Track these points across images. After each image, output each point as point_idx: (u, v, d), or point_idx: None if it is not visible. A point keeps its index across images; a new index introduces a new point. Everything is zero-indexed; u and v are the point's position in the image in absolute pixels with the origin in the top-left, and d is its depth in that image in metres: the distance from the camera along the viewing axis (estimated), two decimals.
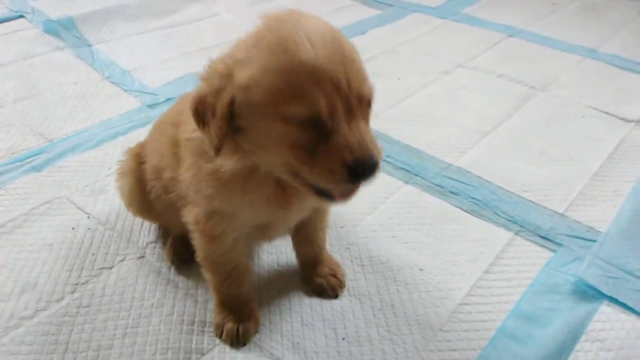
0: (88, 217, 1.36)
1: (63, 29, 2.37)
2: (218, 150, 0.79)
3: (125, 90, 1.96)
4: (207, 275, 1.07)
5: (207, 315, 1.12)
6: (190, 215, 0.98)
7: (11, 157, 1.58)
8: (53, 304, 1.13)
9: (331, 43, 0.73)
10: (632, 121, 1.82)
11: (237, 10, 2.76)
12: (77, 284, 1.18)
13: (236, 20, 2.63)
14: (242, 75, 0.74)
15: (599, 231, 1.34)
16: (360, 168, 0.72)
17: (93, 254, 1.26)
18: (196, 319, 1.11)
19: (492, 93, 2.01)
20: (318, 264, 1.18)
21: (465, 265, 1.25)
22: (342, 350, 1.05)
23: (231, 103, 0.75)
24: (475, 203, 1.43)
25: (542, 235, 1.33)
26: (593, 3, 2.91)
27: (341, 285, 1.18)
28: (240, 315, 1.07)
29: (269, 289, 1.19)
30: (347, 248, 1.29)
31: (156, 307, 1.13)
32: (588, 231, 1.35)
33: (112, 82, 2.02)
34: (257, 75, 0.73)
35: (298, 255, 1.21)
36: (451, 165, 1.59)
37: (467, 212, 1.41)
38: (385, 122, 1.78)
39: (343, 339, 1.08)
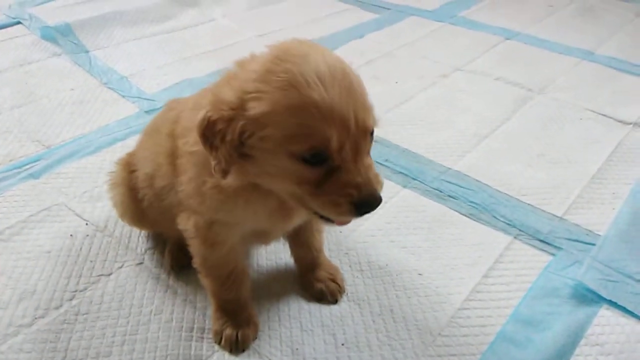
0: (86, 224, 1.36)
1: (60, 36, 2.37)
2: (225, 174, 0.80)
3: (123, 96, 1.96)
4: (204, 281, 1.07)
5: (206, 321, 1.11)
6: (189, 223, 0.98)
7: (9, 164, 1.58)
8: (51, 311, 1.13)
9: (340, 79, 0.75)
10: (630, 123, 1.82)
11: (233, 15, 2.76)
12: (75, 291, 1.18)
13: (232, 25, 2.63)
14: (254, 110, 0.75)
15: (598, 234, 1.34)
16: (365, 204, 0.77)
17: (91, 261, 1.25)
18: (195, 326, 1.11)
19: (489, 96, 2.01)
20: (316, 268, 1.18)
21: (464, 270, 1.25)
22: (341, 356, 1.05)
23: (241, 133, 0.76)
24: (473, 207, 1.43)
25: (541, 238, 1.33)
26: (590, 5, 2.92)
27: (340, 290, 1.17)
28: (239, 321, 1.07)
29: (267, 294, 1.18)
30: (346, 253, 1.29)
31: (155, 314, 1.13)
32: (587, 234, 1.34)
33: (109, 88, 2.02)
34: (269, 111, 0.74)
35: (296, 259, 1.21)
36: (449, 169, 1.59)
37: (465, 215, 1.41)
38: (383, 126, 1.77)
39: (342, 344, 1.07)
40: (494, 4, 2.94)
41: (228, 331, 1.06)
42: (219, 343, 1.07)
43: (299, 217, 0.97)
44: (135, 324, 1.11)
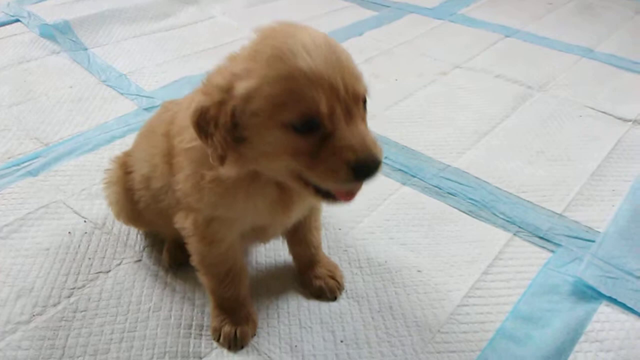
0: (84, 221, 1.35)
1: (59, 33, 2.37)
2: (222, 160, 0.80)
3: (122, 94, 1.96)
4: (203, 279, 1.07)
5: (205, 318, 1.11)
6: (187, 221, 0.98)
7: (7, 161, 1.57)
8: (49, 308, 1.13)
9: (325, 49, 0.75)
10: (630, 120, 1.82)
11: (232, 13, 2.76)
12: (73, 289, 1.17)
13: (232, 23, 2.63)
14: (243, 87, 0.75)
15: (598, 231, 1.34)
16: (363, 167, 0.74)
17: (89, 258, 1.25)
18: (193, 323, 1.11)
19: (489, 93, 2.00)
20: (315, 265, 1.18)
21: (464, 267, 1.24)
22: (340, 353, 1.05)
23: (233, 114, 0.76)
24: (473, 204, 1.43)
25: (541, 235, 1.32)
26: (589, 3, 2.92)
27: (339, 287, 1.17)
28: (237, 318, 1.07)
29: (266, 291, 1.18)
30: (345, 250, 1.29)
31: (153, 311, 1.13)
32: (586, 231, 1.34)
33: (108, 85, 2.02)
34: (257, 85, 0.74)
35: (294, 257, 1.20)
36: (449, 166, 1.58)
37: (465, 213, 1.41)
38: (382, 124, 1.78)
39: (341, 341, 1.07)
40: (493, 2, 2.94)
41: (227, 328, 1.05)
42: (218, 340, 1.06)
43: (299, 209, 0.97)
44: (134, 321, 1.11)
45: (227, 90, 0.77)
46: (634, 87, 2.05)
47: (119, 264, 1.24)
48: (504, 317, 1.12)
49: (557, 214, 1.40)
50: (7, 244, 1.28)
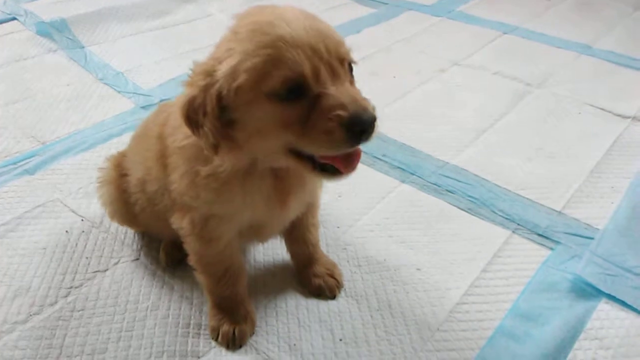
0: (82, 220, 1.34)
1: (56, 31, 2.36)
2: (216, 148, 0.79)
3: (119, 92, 1.95)
4: (200, 278, 1.07)
5: (203, 317, 1.11)
6: (184, 221, 0.97)
7: (4, 160, 1.56)
8: (47, 308, 1.12)
9: (304, 19, 0.75)
10: (629, 117, 1.81)
11: (230, 10, 2.74)
12: (71, 288, 1.17)
13: (229, 20, 2.61)
14: (225, 67, 0.75)
15: (597, 228, 1.34)
16: (357, 124, 0.72)
17: (87, 257, 1.24)
18: (192, 322, 1.10)
19: (488, 91, 2.00)
20: (313, 263, 1.17)
21: (463, 264, 1.24)
22: (339, 352, 1.04)
23: (219, 96, 0.76)
24: (472, 201, 1.43)
25: (540, 233, 1.32)
26: None
27: (338, 285, 1.17)
28: (236, 317, 1.06)
29: (265, 290, 1.17)
30: (344, 248, 1.28)
31: (151, 310, 1.12)
32: (586, 228, 1.34)
33: (105, 83, 2.01)
34: (239, 61, 0.74)
35: (292, 255, 1.20)
36: (447, 163, 1.58)
37: (464, 210, 1.40)
38: (381, 121, 1.76)
39: (340, 340, 1.06)
40: None
41: (225, 327, 1.05)
42: (216, 339, 1.06)
43: (296, 203, 0.96)
44: (132, 320, 1.10)
45: (210, 73, 0.76)
46: (633, 84, 2.05)
47: (117, 263, 1.23)
48: (503, 315, 1.12)
49: (556, 211, 1.39)
50: (4, 243, 1.28)
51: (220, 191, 0.88)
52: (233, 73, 0.74)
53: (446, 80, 2.08)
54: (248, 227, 1.00)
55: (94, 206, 1.39)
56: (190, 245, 1.01)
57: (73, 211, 1.37)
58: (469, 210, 1.40)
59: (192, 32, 2.49)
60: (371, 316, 1.12)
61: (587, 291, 1.16)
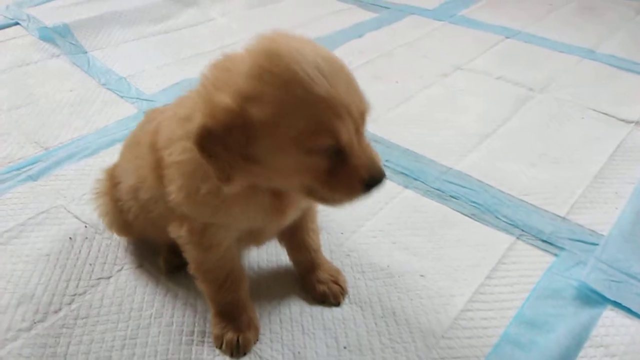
0: (85, 227, 1.34)
1: (59, 36, 2.36)
2: (229, 180, 0.80)
3: (122, 97, 1.95)
4: (201, 286, 1.06)
5: (207, 325, 1.10)
6: (182, 230, 0.97)
7: (7, 166, 1.56)
8: (50, 315, 1.12)
9: (337, 71, 0.77)
10: (632, 122, 1.81)
11: (232, 14, 2.75)
12: (74, 295, 1.17)
13: (231, 25, 2.62)
14: (259, 112, 0.74)
15: (601, 234, 1.33)
16: (375, 182, 0.81)
17: (91, 264, 1.24)
18: (196, 329, 1.10)
19: (490, 95, 2.00)
20: (316, 269, 1.17)
21: (467, 271, 1.24)
22: None
23: (248, 137, 0.75)
24: (475, 207, 1.42)
25: (544, 239, 1.32)
26: (590, 3, 2.91)
27: (343, 292, 1.16)
28: (239, 324, 1.06)
29: (268, 297, 1.17)
30: (348, 255, 1.28)
31: (155, 317, 1.12)
32: (590, 234, 1.33)
33: (108, 88, 2.01)
34: (277, 111, 0.74)
35: (294, 262, 1.20)
36: (451, 168, 1.57)
37: (467, 216, 1.40)
38: (384, 126, 1.77)
39: (344, 347, 1.06)
40: (494, 3, 2.93)
41: (229, 335, 1.05)
42: (220, 347, 1.05)
43: (294, 211, 0.97)
44: (135, 327, 1.10)
45: (239, 113, 0.74)
46: (636, 88, 2.04)
47: (120, 270, 1.23)
48: (508, 322, 1.11)
49: (560, 217, 1.39)
50: (7, 250, 1.28)
51: (219, 207, 0.88)
52: (267, 123, 0.74)
53: (449, 85, 2.08)
54: (246, 232, 1.00)
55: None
56: (189, 253, 1.01)
57: (77, 217, 1.37)
58: (472, 216, 1.40)
59: (194, 36, 2.49)
60: (375, 323, 1.11)
61: (592, 298, 1.16)
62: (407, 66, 2.22)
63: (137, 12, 2.65)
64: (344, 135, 0.76)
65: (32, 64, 2.19)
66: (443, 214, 1.41)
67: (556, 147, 1.69)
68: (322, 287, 1.15)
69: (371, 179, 0.80)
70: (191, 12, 2.74)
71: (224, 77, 0.78)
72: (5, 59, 2.21)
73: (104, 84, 2.03)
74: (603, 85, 2.06)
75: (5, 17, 2.59)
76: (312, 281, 1.16)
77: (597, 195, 1.47)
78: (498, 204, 1.43)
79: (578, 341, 1.07)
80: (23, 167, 1.56)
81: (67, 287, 1.18)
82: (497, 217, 1.39)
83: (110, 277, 1.21)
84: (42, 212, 1.39)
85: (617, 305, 1.14)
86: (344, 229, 1.35)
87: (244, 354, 1.05)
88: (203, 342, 1.07)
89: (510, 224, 1.37)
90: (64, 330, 1.09)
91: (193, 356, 1.04)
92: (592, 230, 1.35)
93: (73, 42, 2.34)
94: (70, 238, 1.31)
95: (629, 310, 1.13)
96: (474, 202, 1.44)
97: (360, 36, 2.49)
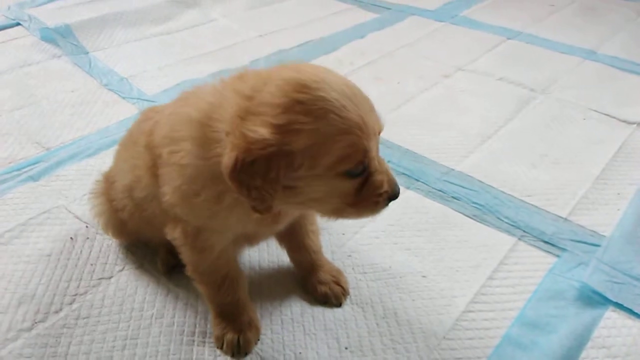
0: (86, 227, 1.34)
1: (60, 37, 2.36)
2: (269, 210, 0.80)
3: (123, 98, 1.95)
4: (200, 287, 1.07)
5: (208, 325, 1.10)
6: (176, 231, 0.97)
7: (8, 166, 1.57)
8: (51, 315, 1.12)
9: (357, 94, 0.81)
10: (634, 123, 1.81)
11: (233, 15, 2.75)
12: (75, 295, 1.17)
13: (233, 25, 2.62)
14: (298, 143, 0.75)
15: (603, 235, 1.33)
16: (396, 196, 0.87)
17: (92, 264, 1.24)
18: (197, 330, 1.10)
19: (492, 96, 2.00)
20: (318, 270, 1.17)
21: (469, 272, 1.23)
22: None
23: (287, 167, 0.76)
24: (477, 208, 1.42)
25: (546, 240, 1.31)
26: (592, 4, 2.91)
27: (345, 293, 1.16)
28: (240, 325, 1.06)
29: (270, 297, 1.17)
30: (349, 255, 1.28)
31: (156, 318, 1.12)
32: (592, 235, 1.33)
33: (109, 89, 2.01)
34: (316, 141, 0.76)
35: (295, 263, 1.20)
36: (452, 169, 1.57)
37: (469, 217, 1.40)
38: (385, 127, 1.75)
39: (346, 348, 1.06)
40: (495, 4, 2.93)
41: (229, 336, 1.05)
42: (221, 348, 1.05)
43: (287, 219, 0.99)
44: (137, 328, 1.10)
45: (277, 145, 0.74)
46: (638, 90, 2.04)
47: (121, 270, 1.23)
48: (509, 323, 1.11)
49: (562, 218, 1.39)
50: (8, 250, 1.28)
51: (217, 213, 0.88)
52: (307, 153, 0.76)
53: (450, 86, 2.07)
54: (240, 235, 1.01)
55: None
56: (185, 255, 1.01)
57: (78, 218, 1.37)
58: (474, 217, 1.39)
59: (196, 37, 2.49)
60: (377, 324, 1.11)
61: (594, 299, 1.16)
62: (409, 67, 2.22)
63: (138, 12, 2.65)
64: (372, 154, 0.81)
65: (34, 64, 2.19)
66: (445, 214, 1.41)
67: (558, 148, 1.68)
68: (323, 288, 1.15)
69: (393, 194, 0.86)
70: (192, 13, 2.74)
71: (248, 107, 0.77)
72: (6, 59, 2.22)
73: (105, 85, 2.03)
74: (605, 86, 2.06)
75: (6, 17, 2.60)
76: (313, 282, 1.16)
77: (599, 197, 1.47)
78: (500, 205, 1.43)
79: (580, 342, 1.07)
80: (24, 167, 1.56)
81: (68, 287, 1.18)
82: (498, 218, 1.38)
83: (112, 277, 1.21)
84: (44, 212, 1.39)
85: (619, 306, 1.14)
86: (345, 230, 1.35)
87: (245, 354, 1.04)
88: (204, 342, 1.07)
89: (511, 225, 1.36)
90: (65, 330, 1.09)
91: (194, 357, 1.04)
92: (594, 232, 1.34)
93: (74, 42, 2.34)
94: (71, 238, 1.31)
95: (630, 312, 1.13)
96: (475, 203, 1.44)
97: (361, 37, 2.49)
